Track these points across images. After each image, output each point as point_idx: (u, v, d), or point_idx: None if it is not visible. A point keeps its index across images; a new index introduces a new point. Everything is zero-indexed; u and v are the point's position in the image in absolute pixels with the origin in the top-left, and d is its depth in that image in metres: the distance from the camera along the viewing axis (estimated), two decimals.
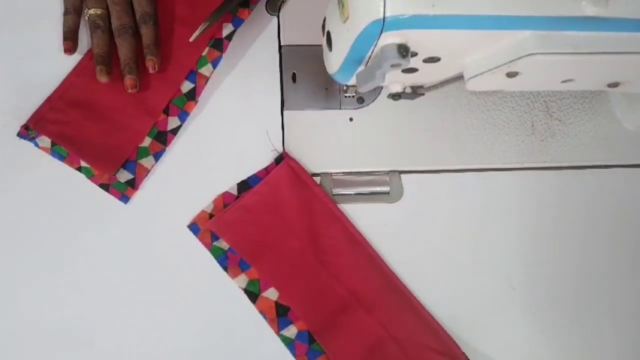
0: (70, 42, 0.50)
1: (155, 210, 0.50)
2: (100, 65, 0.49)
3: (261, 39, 0.54)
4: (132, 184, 0.50)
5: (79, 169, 0.50)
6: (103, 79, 0.49)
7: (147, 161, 0.51)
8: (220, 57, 0.52)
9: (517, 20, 0.35)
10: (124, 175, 0.50)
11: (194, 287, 0.49)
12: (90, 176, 0.50)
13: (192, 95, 0.52)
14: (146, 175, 0.51)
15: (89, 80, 0.51)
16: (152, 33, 0.51)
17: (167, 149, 0.51)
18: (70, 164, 0.50)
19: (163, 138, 0.51)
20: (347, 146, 0.53)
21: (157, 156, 0.51)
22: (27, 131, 0.50)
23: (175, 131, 0.52)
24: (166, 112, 0.52)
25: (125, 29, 0.50)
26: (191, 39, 0.50)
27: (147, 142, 0.51)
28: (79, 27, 0.51)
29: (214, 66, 0.52)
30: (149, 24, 0.50)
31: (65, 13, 0.50)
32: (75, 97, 0.51)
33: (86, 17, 0.51)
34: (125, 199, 0.50)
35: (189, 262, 0.49)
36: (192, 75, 0.52)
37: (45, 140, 0.50)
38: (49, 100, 0.51)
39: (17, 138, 0.50)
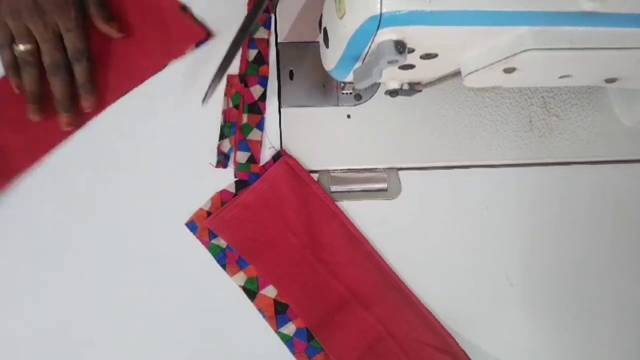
0: (17, 78, 0.48)
1: (153, 209, 0.50)
2: (33, 105, 0.48)
3: None
4: (252, 160, 0.51)
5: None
6: (36, 117, 0.48)
7: (254, 134, 0.52)
8: (269, 18, 0.54)
9: (514, 16, 0.35)
10: (242, 156, 0.51)
11: (192, 286, 0.49)
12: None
13: (261, 60, 0.53)
14: (261, 146, 0.51)
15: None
16: (85, 70, 0.49)
17: (264, 116, 0.52)
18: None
19: (256, 108, 0.52)
20: (345, 143, 0.53)
21: (260, 126, 0.52)
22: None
23: (263, 97, 0.53)
24: (245, 85, 0.52)
25: (58, 66, 0.48)
26: (203, 104, 0.47)
27: (245, 118, 0.52)
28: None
29: (267, 27, 0.54)
30: (82, 61, 0.49)
31: (1, 47, 0.49)
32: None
33: (15, 52, 0.48)
34: (253, 176, 0.51)
35: (187, 261, 0.49)
36: (252, 42, 0.53)
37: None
38: None
39: None
